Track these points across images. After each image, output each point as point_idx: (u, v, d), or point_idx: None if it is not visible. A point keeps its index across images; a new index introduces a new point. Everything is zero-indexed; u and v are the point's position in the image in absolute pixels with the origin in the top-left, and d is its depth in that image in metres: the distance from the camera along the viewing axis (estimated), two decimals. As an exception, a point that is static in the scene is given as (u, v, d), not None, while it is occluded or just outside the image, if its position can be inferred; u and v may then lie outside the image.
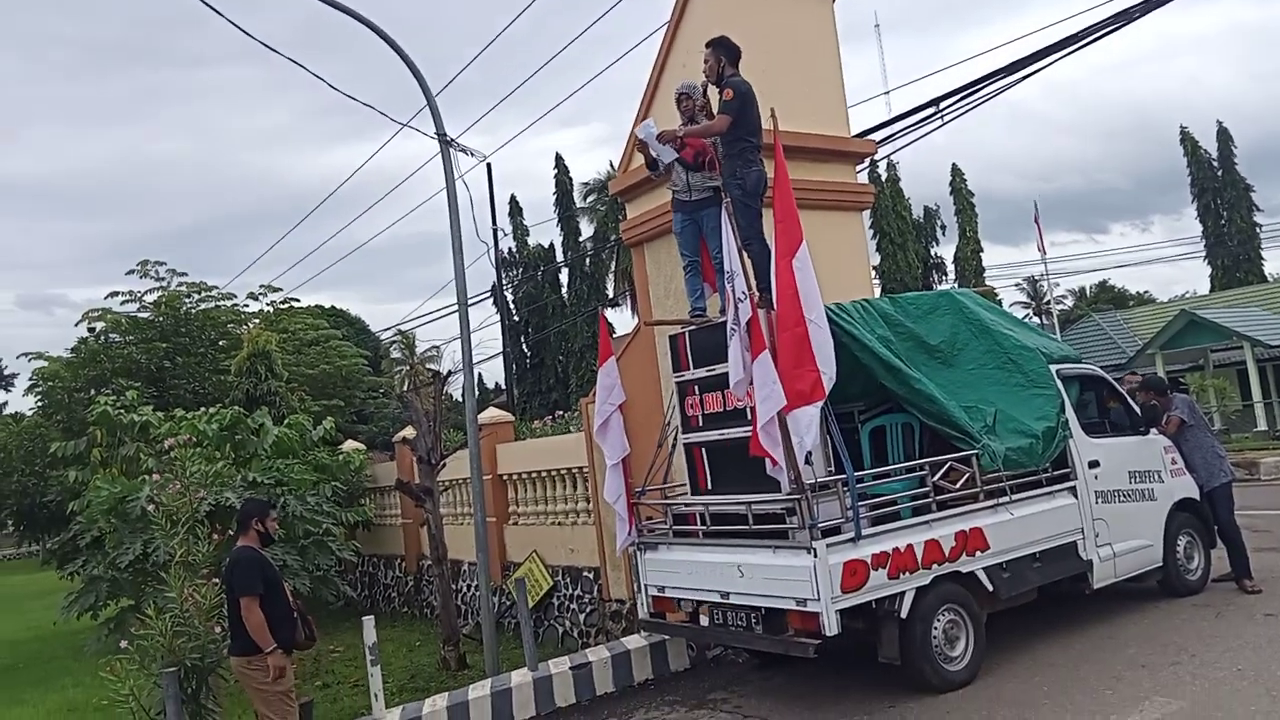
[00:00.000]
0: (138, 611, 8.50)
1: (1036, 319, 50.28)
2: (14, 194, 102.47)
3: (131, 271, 20.24)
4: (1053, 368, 7.36)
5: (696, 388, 7.00)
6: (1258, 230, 41.50)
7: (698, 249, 7.29)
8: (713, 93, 7.15)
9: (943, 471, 6.52)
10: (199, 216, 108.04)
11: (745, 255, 6.64)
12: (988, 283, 41.69)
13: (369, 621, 7.14)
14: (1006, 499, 6.74)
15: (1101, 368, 8.92)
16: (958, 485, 6.54)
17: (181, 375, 18.80)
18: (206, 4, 8.74)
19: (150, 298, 20.21)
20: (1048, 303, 45.32)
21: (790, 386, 5.80)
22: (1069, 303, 56.82)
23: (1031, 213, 29.12)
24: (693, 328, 7.13)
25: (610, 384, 7.57)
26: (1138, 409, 8.16)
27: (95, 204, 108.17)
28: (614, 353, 7.87)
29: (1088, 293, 59.32)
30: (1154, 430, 8.15)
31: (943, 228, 45.01)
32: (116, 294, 20.33)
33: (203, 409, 12.80)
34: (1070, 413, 7.30)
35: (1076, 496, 7.20)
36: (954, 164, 43.16)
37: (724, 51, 6.98)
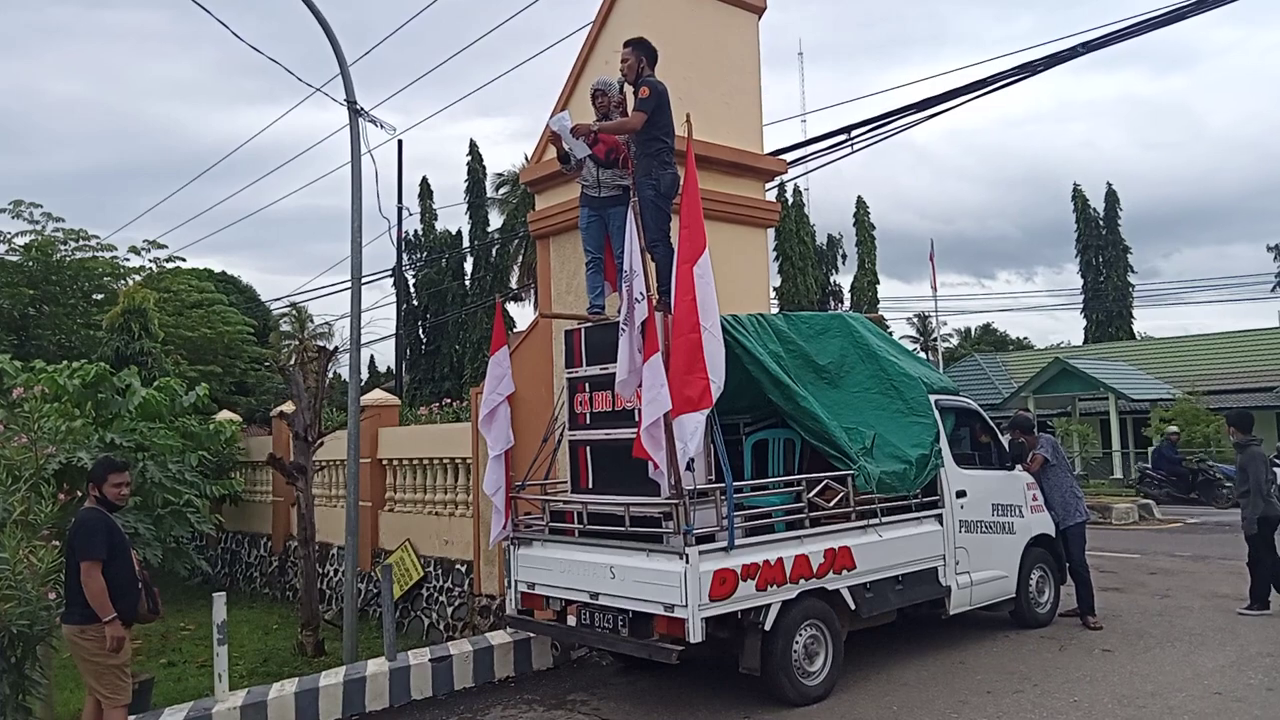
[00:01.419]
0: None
1: (923, 354, 52.17)
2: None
3: (3, 210, 19.01)
4: (932, 398, 7.60)
5: (587, 385, 6.95)
6: (1131, 289, 44.09)
7: (602, 246, 7.25)
8: (629, 92, 7.13)
9: (819, 489, 6.65)
10: (93, 162, 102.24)
11: (649, 257, 6.65)
12: (880, 313, 43.05)
13: (219, 598, 6.81)
14: (877, 521, 6.91)
15: (982, 405, 9.26)
16: (831, 504, 6.67)
17: (47, 325, 17.75)
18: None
19: (21, 240, 19.02)
20: (934, 339, 47.10)
21: (679, 392, 5.80)
22: (954, 341, 59.27)
23: (927, 251, 30.11)
24: (589, 325, 7.08)
25: (500, 374, 7.44)
26: (1006, 445, 8.51)
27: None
28: (507, 343, 7.74)
29: (972, 333, 61.97)
30: (1019, 467, 8.52)
31: (843, 257, 46.28)
32: (-16, 233, 19.07)
33: (66, 362, 12.06)
34: (944, 442, 7.55)
35: (942, 524, 7.45)
36: (859, 196, 44.55)
37: (643, 52, 6.97)
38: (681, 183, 6.63)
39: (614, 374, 6.35)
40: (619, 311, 6.36)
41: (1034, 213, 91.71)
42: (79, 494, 7.40)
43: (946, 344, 54.74)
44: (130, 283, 19.08)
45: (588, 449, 6.94)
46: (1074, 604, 8.63)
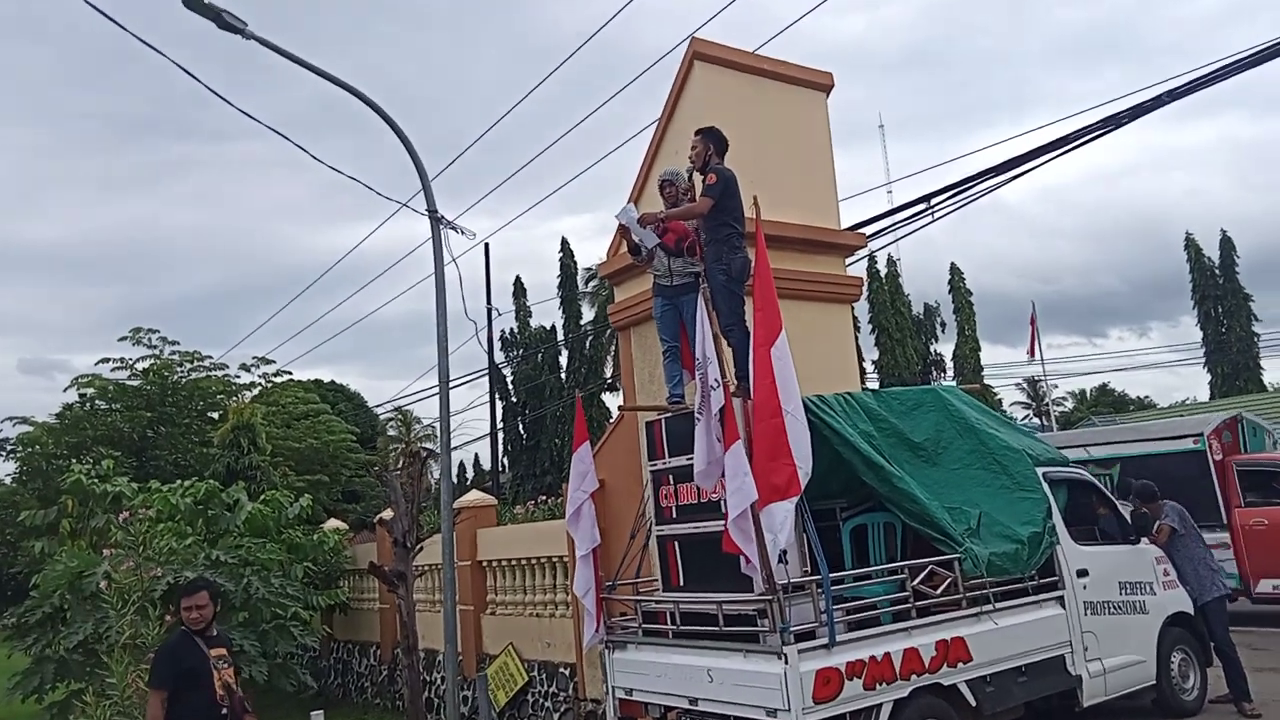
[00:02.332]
0: (83, 697, 8.09)
1: (1036, 420, 50.04)
2: (31, 261, 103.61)
3: (124, 338, 20.23)
4: (1040, 470, 7.14)
5: (671, 477, 6.77)
6: (1256, 339, 41.55)
7: (677, 334, 7.16)
8: (697, 180, 7.12)
9: (923, 575, 6.25)
10: (207, 287, 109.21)
11: (725, 342, 6.52)
12: (986, 382, 41.60)
13: (317, 716, 6.76)
14: (990, 607, 6.44)
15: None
16: (939, 591, 6.26)
17: (164, 445, 18.57)
18: (209, 89, 8.81)
19: (141, 365, 20.14)
20: (1046, 404, 45.13)
21: (765, 481, 5.58)
22: (1069, 405, 56.68)
23: (1028, 313, 28.86)
24: (669, 415, 6.95)
25: (584, 470, 7.34)
26: (1128, 517, 7.91)
27: (107, 271, 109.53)
28: (589, 438, 7.66)
29: (1088, 395, 59.22)
30: (1145, 540, 7.88)
31: (942, 325, 45.14)
32: (108, 360, 20.27)
33: (180, 481, 12.54)
34: (1058, 518, 7.05)
35: (1064, 607, 6.90)
36: (952, 263, 43.55)
37: (712, 140, 6.97)
38: (753, 265, 6.53)
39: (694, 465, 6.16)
40: (695, 400, 6.22)
41: (1141, 266, 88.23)
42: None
43: (1060, 408, 52.41)
44: (240, 399, 19.92)
45: (676, 544, 6.72)
46: (1225, 689, 7.83)
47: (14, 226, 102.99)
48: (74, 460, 15.30)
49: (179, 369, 20.18)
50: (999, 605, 6.51)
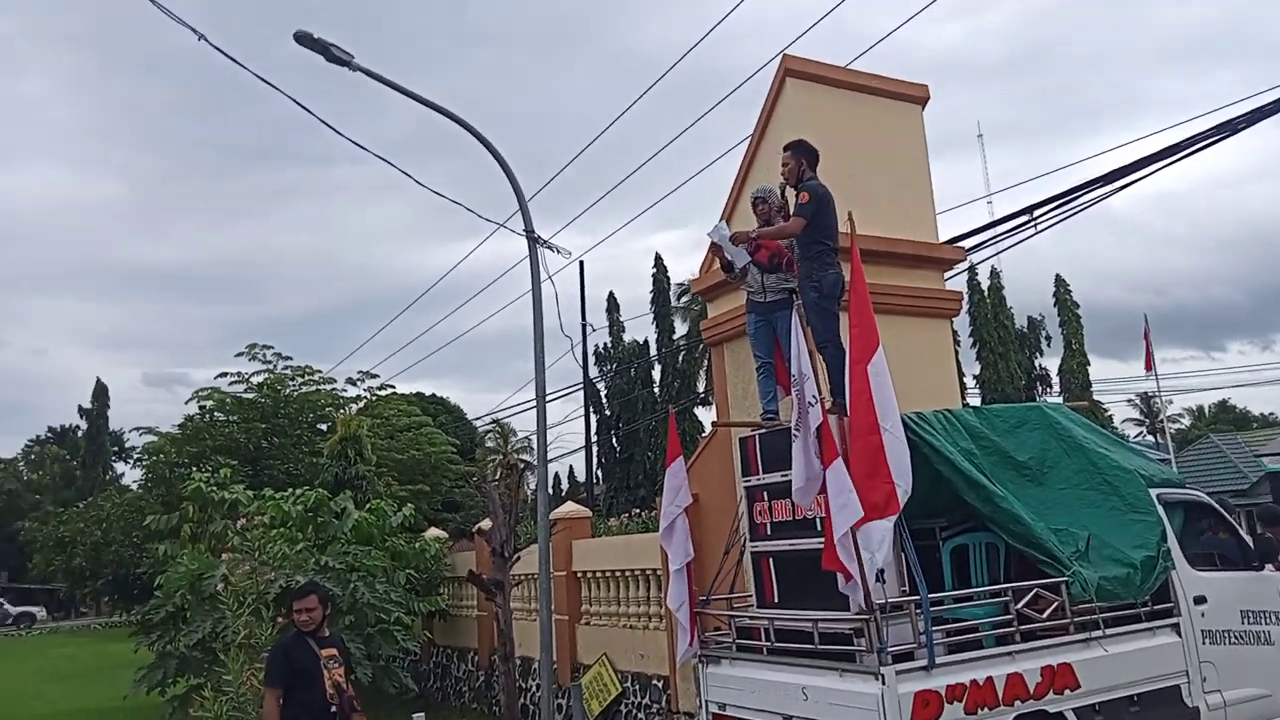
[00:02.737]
0: (201, 692, 8.53)
1: (1150, 437, 47.79)
2: (153, 280, 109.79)
3: (241, 354, 21.28)
4: (1153, 492, 6.84)
5: (765, 494, 6.75)
6: (1395, 353, 38.79)
7: (771, 350, 7.15)
8: (790, 195, 7.11)
9: (1028, 598, 6.06)
10: (315, 304, 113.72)
11: (819, 359, 6.48)
12: (1095, 398, 39.95)
13: (419, 719, 6.96)
14: (1100, 633, 6.19)
15: (1221, 493, 8.27)
16: (1045, 615, 6.06)
17: (276, 455, 19.43)
18: (320, 119, 9.23)
19: (256, 379, 21.13)
20: (1161, 421, 43.05)
21: (862, 498, 5.51)
22: (1185, 422, 53.97)
23: (1139, 326, 27.51)
24: (763, 431, 6.93)
25: (677, 485, 7.37)
26: (1250, 542, 7.50)
27: (223, 289, 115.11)
28: (683, 453, 7.69)
29: (1206, 412, 56.28)
30: (1269, 566, 7.46)
31: (1048, 339, 43.61)
32: (226, 375, 21.35)
33: (291, 490, 13.10)
34: (1173, 542, 6.74)
35: (1180, 634, 6.57)
36: (1058, 275, 42.04)
37: (803, 154, 6.96)
38: (846, 282, 6.48)
39: (791, 482, 6.13)
40: (792, 416, 6.19)
41: (1263, 276, 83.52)
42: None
43: (1176, 425, 49.95)
44: (347, 412, 20.70)
45: (770, 560, 6.69)
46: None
47: (138, 248, 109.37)
48: (194, 469, 16.17)
49: (291, 383, 21.12)
50: (1109, 631, 6.25)
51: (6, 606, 51.78)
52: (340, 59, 8.56)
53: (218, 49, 7.52)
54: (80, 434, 62.14)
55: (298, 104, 8.46)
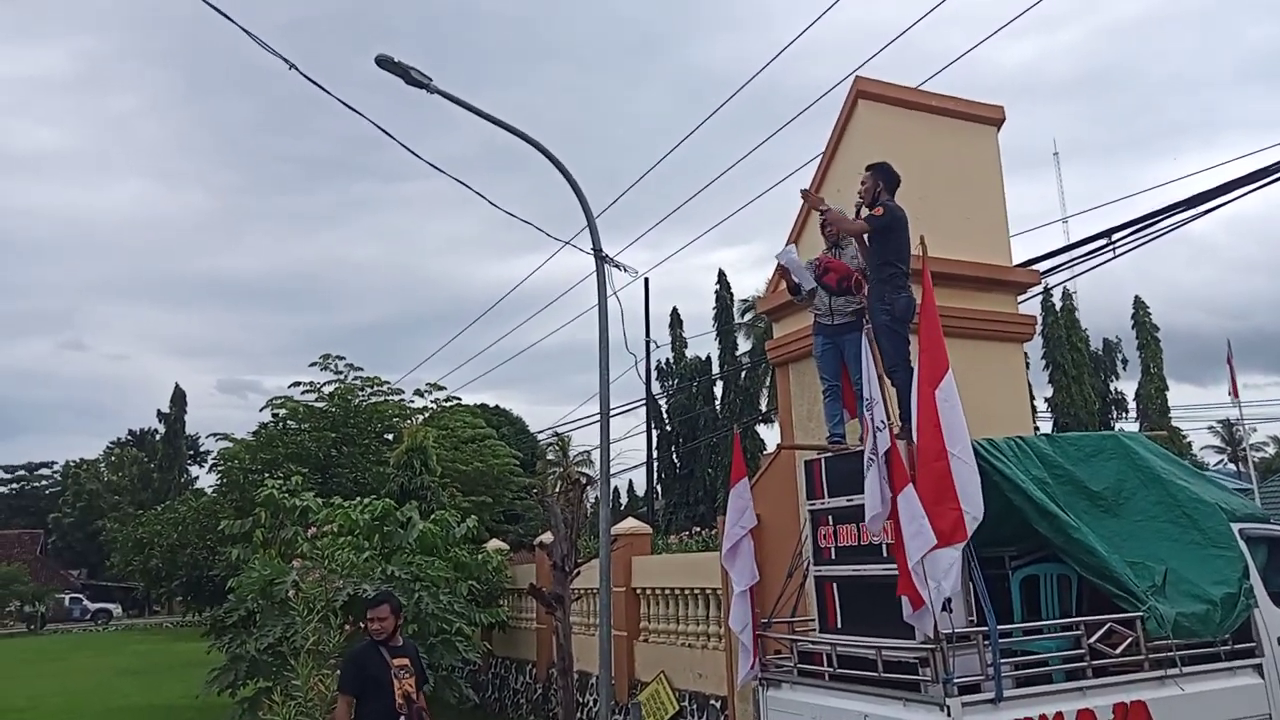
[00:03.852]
0: (270, 695, 8.75)
1: (1231, 466, 46.00)
2: (229, 289, 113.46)
3: (314, 364, 21.86)
4: (1235, 526, 6.61)
5: (830, 518, 6.69)
6: None
7: (838, 373, 7.10)
8: (864, 215, 7.06)
9: (1101, 633, 5.90)
10: (386, 314, 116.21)
11: (889, 383, 6.42)
12: (1174, 424, 38.66)
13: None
14: (1176, 671, 5.99)
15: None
16: (1118, 650, 5.88)
17: (345, 464, 19.84)
18: (392, 137, 9.47)
19: (328, 389, 21.65)
20: (1244, 449, 41.43)
21: (930, 525, 5.44)
22: (1270, 450, 51.79)
23: (1220, 351, 26.43)
24: (829, 455, 6.88)
25: (742, 506, 7.36)
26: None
27: (295, 300, 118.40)
28: (747, 474, 7.67)
29: (1293, 441, 53.90)
30: (1362, 607, 7.13)
31: (1124, 362, 42.42)
32: (299, 384, 21.95)
33: (359, 498, 13.38)
34: (1255, 579, 6.49)
35: (1263, 676, 6.32)
36: (1136, 296, 40.92)
37: (883, 176, 6.91)
38: (919, 304, 6.41)
39: (858, 506, 6.08)
40: (860, 440, 6.15)
41: (1353, 300, 79.54)
42: (362, 625, 8.04)
43: (1261, 453, 47.99)
44: (413, 422, 21.07)
45: (834, 585, 6.62)
46: None
47: (216, 259, 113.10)
48: (267, 475, 16.61)
49: (360, 393, 21.58)
50: (1186, 670, 6.03)
51: (85, 603, 53.77)
52: (419, 82, 8.79)
53: (305, 75, 7.81)
54: (159, 438, 64.33)
55: (376, 125, 8.73)
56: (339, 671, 5.77)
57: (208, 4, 7.51)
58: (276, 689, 7.41)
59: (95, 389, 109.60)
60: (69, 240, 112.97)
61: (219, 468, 21.77)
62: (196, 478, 59.23)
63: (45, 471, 66.86)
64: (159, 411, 64.20)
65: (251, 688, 11.47)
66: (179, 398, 63.37)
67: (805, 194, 6.92)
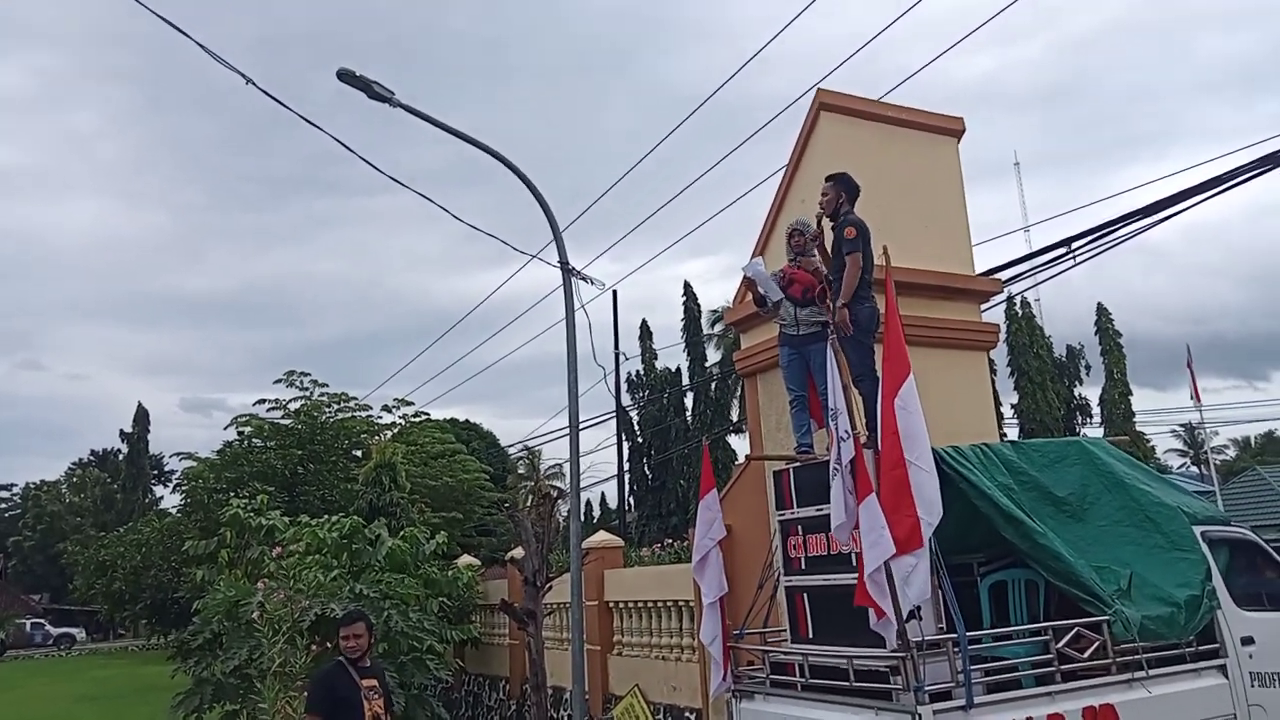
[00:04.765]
0: (237, 718, 8.59)
1: (1195, 469, 46.79)
2: (192, 307, 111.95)
3: (279, 380, 21.58)
4: (1197, 529, 6.70)
5: (799, 528, 6.69)
6: None
7: (804, 384, 7.13)
8: (827, 226, 7.11)
9: (1069, 637, 5.94)
10: (350, 331, 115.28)
11: (855, 392, 6.45)
12: (1138, 429, 39.24)
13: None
14: (1143, 674, 6.05)
15: (1267, 526, 8.06)
16: (1086, 654, 5.93)
17: (312, 482, 19.60)
18: (357, 154, 9.39)
19: (293, 406, 21.39)
20: (1205, 453, 42.16)
21: (889, 534, 5.47)
22: (1230, 453, 52.81)
23: (1178, 356, 26.97)
24: (797, 465, 6.90)
25: (711, 518, 7.35)
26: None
27: (260, 317, 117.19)
28: (716, 485, 7.67)
29: (1253, 443, 55.03)
30: (1322, 606, 7.25)
31: (1087, 368, 42.99)
32: (264, 401, 21.65)
33: (327, 516, 13.21)
34: (1218, 580, 6.59)
35: (1227, 676, 6.40)
36: (1099, 303, 41.49)
37: (844, 187, 6.95)
38: (881, 315, 6.46)
39: (827, 515, 6.09)
40: (828, 450, 6.17)
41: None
42: (329, 645, 7.92)
43: (1222, 456, 48.88)
44: (382, 438, 20.87)
45: (804, 595, 6.62)
46: None
47: (178, 277, 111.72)
48: (232, 494, 16.36)
49: (327, 410, 21.34)
50: (1153, 672, 6.10)
51: (48, 628, 52.59)
52: (382, 96, 8.74)
53: (264, 91, 7.72)
54: (121, 458, 63.26)
55: (339, 142, 8.66)
56: (307, 693, 5.67)
57: (166, 21, 7.42)
58: (243, 712, 7.27)
59: (54, 409, 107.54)
60: (26, 260, 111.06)
61: (183, 488, 21.41)
62: (161, 498, 58.28)
63: (3, 494, 65.49)
64: (121, 431, 63.21)
65: (218, 711, 11.25)
66: (142, 417, 62.38)
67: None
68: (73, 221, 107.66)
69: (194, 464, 21.29)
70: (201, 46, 7.34)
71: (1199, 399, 29.03)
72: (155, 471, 61.60)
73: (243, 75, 7.53)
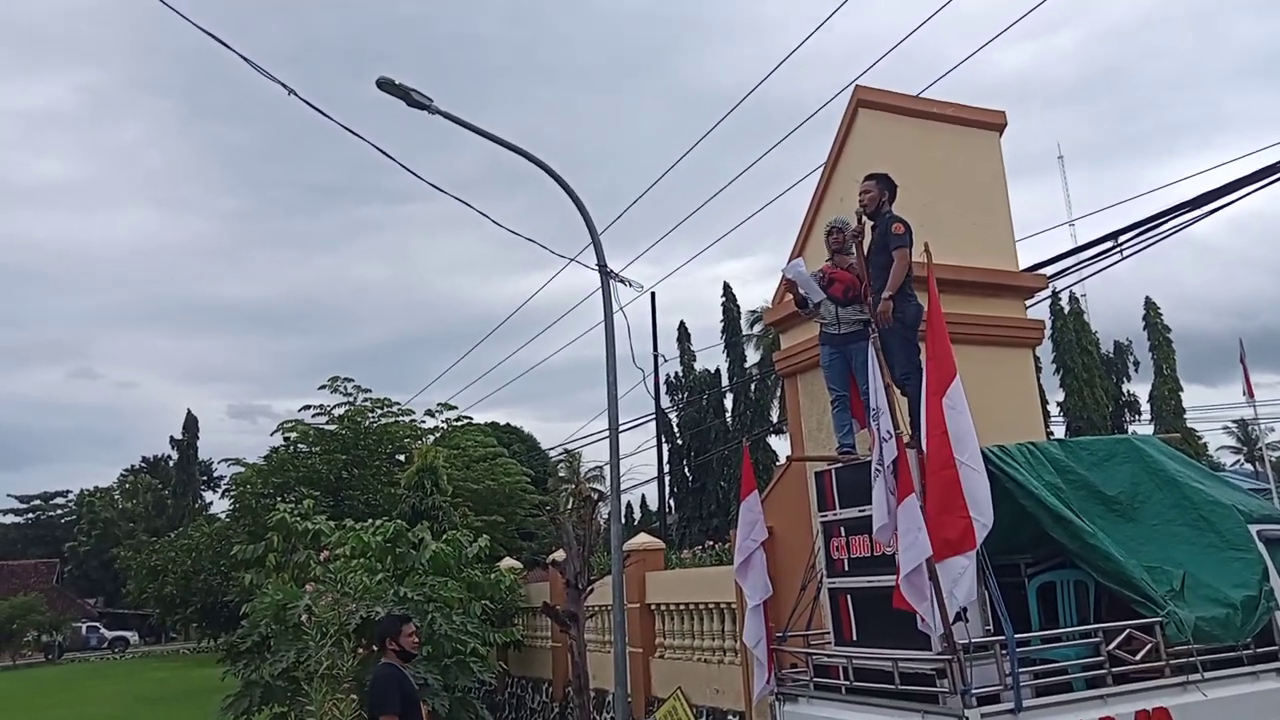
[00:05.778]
0: None
1: (1248, 466, 45.63)
2: (237, 315, 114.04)
3: (323, 386, 21.89)
4: (1253, 528, 6.53)
5: (842, 529, 6.63)
6: None
7: (846, 383, 7.07)
8: (867, 224, 7.04)
9: (1121, 639, 5.83)
10: (392, 337, 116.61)
11: (900, 391, 6.38)
12: (1189, 426, 38.36)
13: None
14: (1198, 677, 5.91)
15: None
16: (1138, 656, 5.81)
17: (356, 486, 19.84)
18: (397, 161, 9.49)
19: (337, 411, 21.68)
20: (1259, 449, 41.08)
21: (937, 534, 5.39)
22: (1287, 449, 51.33)
23: (1227, 351, 26.28)
24: (839, 465, 6.84)
25: (752, 519, 7.31)
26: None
27: (303, 323, 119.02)
28: (757, 486, 7.62)
29: (1310, 439, 53.42)
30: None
31: (1135, 364, 42.16)
32: (309, 407, 21.97)
33: (371, 520, 13.36)
34: (1275, 581, 6.41)
35: (1287, 680, 6.24)
36: (1148, 298, 40.65)
37: (885, 185, 6.91)
38: (925, 311, 6.38)
39: (870, 516, 6.03)
40: (870, 450, 6.10)
41: (1366, 298, 78.70)
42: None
43: (1277, 453, 47.56)
44: (424, 443, 21.07)
45: (848, 597, 6.56)
46: None
47: (222, 286, 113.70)
48: (279, 499, 16.62)
49: (370, 415, 21.60)
50: (1208, 675, 5.96)
51: (102, 631, 53.85)
52: (420, 103, 8.82)
53: (305, 100, 7.84)
54: (172, 464, 64.55)
55: (376, 148, 8.75)
56: (376, 693, 5.72)
57: (208, 34, 7.57)
58: (291, 714, 7.37)
59: (107, 417, 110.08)
60: (76, 271, 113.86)
61: (231, 493, 21.81)
62: (210, 503, 59.40)
63: (60, 501, 67.16)
64: (171, 438, 64.47)
65: (266, 713, 11.41)
66: (191, 424, 63.61)
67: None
68: (120, 232, 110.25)
69: (242, 470, 21.68)
70: (245, 60, 7.48)
71: (1252, 394, 28.23)
72: (205, 477, 62.83)
73: (285, 86, 7.65)
